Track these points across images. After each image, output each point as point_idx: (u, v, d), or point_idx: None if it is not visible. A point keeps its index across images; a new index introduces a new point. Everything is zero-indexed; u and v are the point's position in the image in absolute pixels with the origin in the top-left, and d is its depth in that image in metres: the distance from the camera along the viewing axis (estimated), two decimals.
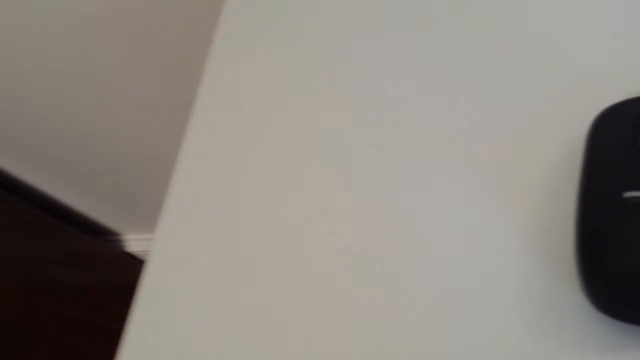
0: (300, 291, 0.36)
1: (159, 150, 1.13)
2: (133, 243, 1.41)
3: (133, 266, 1.29)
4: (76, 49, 0.96)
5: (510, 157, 0.36)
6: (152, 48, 0.94)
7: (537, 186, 0.35)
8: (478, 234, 0.35)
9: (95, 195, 1.28)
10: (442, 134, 0.39)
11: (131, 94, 1.03)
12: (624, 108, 0.33)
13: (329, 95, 0.42)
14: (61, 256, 1.16)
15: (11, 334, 0.98)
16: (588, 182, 0.32)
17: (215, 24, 0.48)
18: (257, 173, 0.40)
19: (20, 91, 1.05)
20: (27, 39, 0.95)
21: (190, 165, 0.42)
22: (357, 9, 0.45)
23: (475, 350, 0.32)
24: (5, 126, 1.12)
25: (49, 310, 1.06)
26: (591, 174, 0.32)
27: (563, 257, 0.32)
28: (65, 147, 1.16)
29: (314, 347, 0.34)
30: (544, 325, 0.31)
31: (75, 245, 1.21)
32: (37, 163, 1.21)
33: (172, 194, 0.41)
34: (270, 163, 0.40)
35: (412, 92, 0.40)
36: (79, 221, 1.35)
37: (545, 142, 0.36)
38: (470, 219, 0.35)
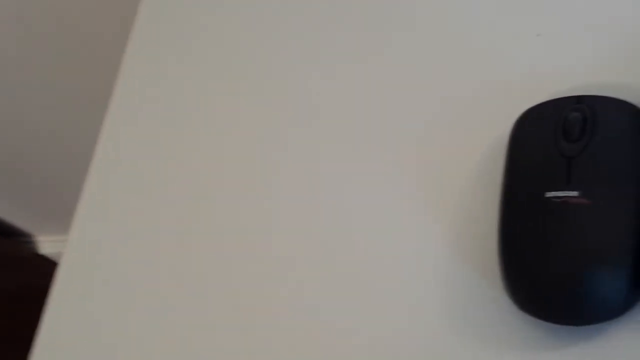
0: (218, 294, 0.35)
1: (73, 150, 1.10)
2: (46, 245, 1.37)
3: (46, 268, 1.25)
4: None
5: (434, 157, 0.36)
6: (67, 46, 0.92)
7: (461, 186, 0.35)
8: (402, 234, 0.35)
9: (7, 195, 1.24)
10: (366, 135, 0.38)
11: (43, 93, 1.00)
12: (545, 109, 0.34)
13: (247, 95, 0.41)
14: None
15: None
16: (510, 182, 0.32)
17: (131, 22, 0.47)
18: (174, 175, 0.40)
19: None
20: None
21: (105, 166, 0.41)
22: (276, 10, 0.44)
23: (399, 350, 0.32)
24: None
25: None
26: (513, 174, 0.32)
27: (487, 256, 0.32)
28: None
29: (226, 348, 0.34)
30: (468, 324, 0.31)
31: None
32: None
33: (86, 195, 0.40)
34: (186, 165, 0.40)
35: (336, 93, 0.40)
36: None
37: (469, 142, 0.36)
38: (394, 220, 0.35)
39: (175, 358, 0.34)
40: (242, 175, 0.39)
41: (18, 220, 1.33)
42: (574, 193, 0.30)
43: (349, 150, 0.38)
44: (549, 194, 0.30)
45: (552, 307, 0.30)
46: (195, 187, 0.39)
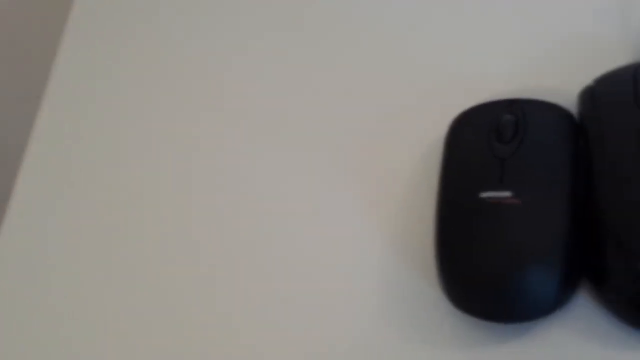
0: (146, 296, 0.35)
1: (4, 147, 1.07)
2: None
3: None
4: None
5: (372, 158, 0.37)
6: None
7: (399, 187, 0.35)
8: (340, 234, 0.35)
9: None
10: (302, 136, 0.38)
11: None
12: (479, 112, 0.34)
13: (182, 93, 0.41)
14: None
15: None
16: (446, 183, 0.33)
17: (65, 16, 0.46)
18: (105, 174, 0.39)
19: None
20: None
21: (37, 163, 0.40)
22: (213, 8, 0.44)
23: (336, 350, 0.32)
24: None
25: None
26: (449, 175, 0.33)
27: (423, 255, 0.33)
28: None
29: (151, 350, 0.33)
30: (404, 322, 0.32)
31: None
32: None
33: (18, 193, 0.39)
34: (119, 161, 0.39)
35: (273, 93, 0.40)
36: None
37: (406, 144, 0.36)
38: (332, 221, 0.35)
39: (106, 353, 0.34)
40: (175, 174, 0.38)
41: None
42: (507, 193, 0.30)
43: (286, 151, 0.38)
44: (483, 195, 0.31)
45: (485, 305, 0.30)
46: (127, 184, 0.38)
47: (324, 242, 0.35)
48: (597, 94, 0.33)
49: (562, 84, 0.35)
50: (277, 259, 0.35)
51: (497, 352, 0.30)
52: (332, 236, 0.35)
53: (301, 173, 0.37)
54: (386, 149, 0.37)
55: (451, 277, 0.31)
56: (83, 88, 0.42)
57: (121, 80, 0.42)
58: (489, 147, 0.32)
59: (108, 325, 0.35)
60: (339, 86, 0.40)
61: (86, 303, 0.35)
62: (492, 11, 0.40)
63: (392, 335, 0.32)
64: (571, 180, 0.31)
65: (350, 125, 0.38)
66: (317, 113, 0.39)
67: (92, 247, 0.37)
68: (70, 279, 0.36)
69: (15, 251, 0.37)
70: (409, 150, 0.36)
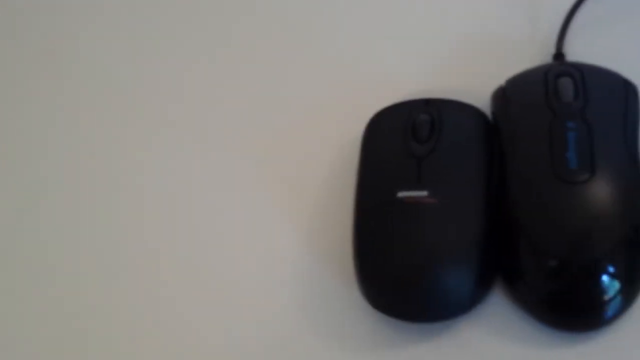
0: (65, 293, 0.34)
1: None
2: None
3: None
4: None
5: (290, 157, 0.36)
6: None
7: (316, 186, 0.35)
8: (255, 233, 0.34)
9: None
10: (219, 134, 0.38)
11: None
12: (395, 111, 0.34)
13: (91, 86, 0.40)
14: None
15: None
16: (363, 182, 0.32)
17: None
18: (9, 168, 0.38)
19: None
20: None
21: None
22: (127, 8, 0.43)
23: (252, 350, 0.31)
24: None
25: None
26: (366, 174, 0.33)
27: (341, 255, 0.32)
28: None
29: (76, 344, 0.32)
30: (322, 324, 0.31)
31: None
32: None
33: None
34: (24, 163, 0.38)
35: (190, 90, 0.40)
36: None
37: (324, 143, 0.36)
38: (248, 220, 0.35)
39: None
40: (88, 173, 0.37)
41: None
42: (423, 193, 0.30)
43: (201, 149, 0.37)
44: (400, 194, 0.31)
45: (401, 304, 0.30)
46: (32, 179, 0.38)
47: (239, 241, 0.34)
48: (509, 95, 0.34)
49: (476, 84, 0.36)
50: (191, 258, 0.34)
51: (413, 352, 0.30)
52: (247, 235, 0.34)
53: (218, 171, 0.36)
54: (303, 148, 0.37)
55: (368, 277, 0.31)
56: None
57: (19, 74, 0.41)
58: (406, 146, 0.32)
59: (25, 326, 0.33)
60: (255, 85, 0.39)
61: None
62: (408, 11, 0.41)
63: (308, 336, 0.31)
64: (486, 179, 0.31)
65: (267, 124, 0.38)
66: (233, 111, 0.38)
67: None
68: None
69: None
70: (325, 149, 0.36)
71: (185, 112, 0.39)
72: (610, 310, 0.29)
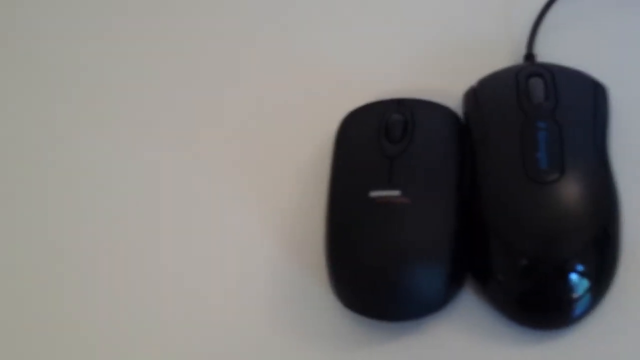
0: (31, 296, 0.33)
1: None
2: None
3: None
4: None
5: (263, 155, 0.36)
6: None
7: (289, 185, 0.35)
8: (230, 231, 0.34)
9: None
10: (191, 132, 0.38)
11: None
12: (368, 111, 0.35)
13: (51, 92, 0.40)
14: None
15: None
16: (336, 181, 0.32)
17: None
18: None
19: None
20: None
21: None
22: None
23: (223, 349, 0.31)
24: None
25: None
26: (339, 173, 0.33)
27: (313, 255, 0.32)
28: None
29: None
30: (294, 323, 0.31)
31: None
32: None
33: None
34: None
35: (159, 86, 0.39)
36: None
37: (297, 142, 0.36)
38: (222, 217, 0.35)
39: None
40: (58, 178, 0.37)
41: None
42: (396, 192, 0.30)
43: (173, 149, 0.37)
44: (373, 193, 0.31)
45: (373, 304, 0.30)
46: None
47: (211, 241, 0.34)
48: (480, 95, 0.34)
49: (448, 85, 0.36)
50: (161, 259, 0.34)
51: (385, 351, 0.30)
52: (220, 236, 0.34)
53: (190, 171, 0.36)
54: (275, 148, 0.36)
55: (341, 277, 0.31)
56: None
57: None
58: (378, 146, 0.32)
59: None
60: (228, 84, 0.39)
61: None
62: (380, 11, 0.41)
63: (279, 335, 0.31)
64: (457, 179, 0.32)
65: (239, 124, 0.38)
66: (206, 111, 0.38)
67: None
68: None
69: None
70: (298, 149, 0.36)
71: (156, 113, 0.38)
72: (579, 309, 0.29)
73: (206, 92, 0.39)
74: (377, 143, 0.32)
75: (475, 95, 0.34)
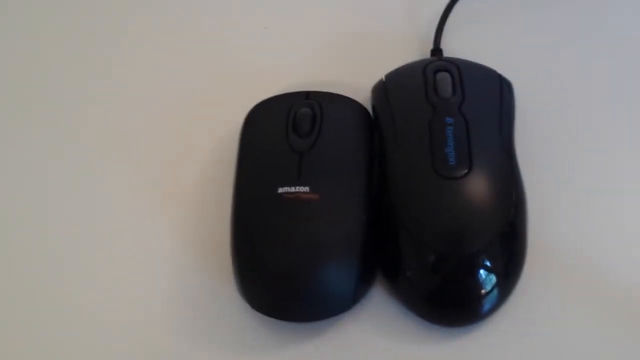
0: None
1: None
2: None
3: None
4: None
5: (166, 151, 0.35)
6: None
7: (193, 182, 0.34)
8: (131, 229, 0.33)
9: None
10: (92, 128, 0.36)
11: None
12: (275, 103, 0.34)
13: None
14: None
15: None
16: (242, 177, 0.31)
17: None
18: None
19: None
20: None
21: None
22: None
23: (128, 353, 0.30)
24: None
25: None
26: (246, 169, 0.32)
27: (220, 255, 0.31)
28: None
29: None
30: (200, 327, 0.30)
31: None
32: None
33: None
34: None
35: (61, 86, 0.38)
36: None
37: (201, 137, 0.35)
38: (123, 216, 0.33)
39: None
40: None
41: None
42: (305, 188, 0.30)
43: (74, 147, 0.36)
44: (280, 190, 0.30)
45: (281, 305, 0.29)
46: None
47: (112, 238, 0.33)
48: (389, 89, 0.34)
49: (356, 78, 0.36)
50: (60, 257, 0.32)
51: (295, 352, 0.30)
52: (121, 233, 0.33)
53: (91, 167, 0.35)
54: (180, 141, 0.35)
55: (247, 277, 0.30)
56: None
57: None
58: (287, 140, 0.31)
59: None
60: (131, 75, 0.38)
61: None
62: (290, 4, 0.40)
63: (183, 338, 0.30)
64: (367, 175, 0.31)
65: (142, 117, 0.36)
66: (109, 104, 0.37)
67: None
68: None
69: None
70: (203, 144, 0.35)
71: (55, 108, 0.37)
72: (487, 304, 0.29)
73: (107, 88, 0.37)
74: (285, 137, 0.31)
75: (384, 89, 0.34)
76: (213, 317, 0.30)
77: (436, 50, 0.36)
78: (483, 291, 0.29)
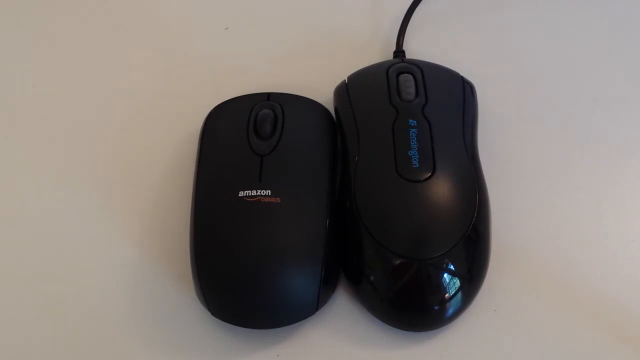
0: None
1: None
2: None
3: None
4: None
5: (125, 152, 0.34)
6: None
7: (151, 184, 0.33)
8: (89, 234, 0.32)
9: None
10: (52, 129, 0.35)
11: None
12: (235, 105, 0.33)
13: None
14: None
15: None
16: (202, 181, 0.31)
17: None
18: None
19: None
20: None
21: None
22: None
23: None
24: None
25: None
26: (206, 172, 0.31)
27: (180, 260, 0.30)
28: None
29: None
30: (159, 335, 0.29)
31: None
32: None
33: None
34: None
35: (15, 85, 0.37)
36: None
37: (160, 139, 0.34)
38: (80, 219, 0.32)
39: None
40: None
41: None
42: (266, 192, 0.29)
43: (31, 150, 0.35)
44: (242, 193, 0.29)
45: (243, 311, 0.29)
46: None
47: (69, 242, 0.32)
48: (351, 91, 0.33)
49: (318, 80, 0.35)
50: (17, 260, 0.31)
51: (258, 359, 0.29)
52: (78, 237, 0.32)
53: (50, 168, 0.34)
54: (138, 143, 0.35)
55: (208, 283, 0.29)
56: None
57: None
58: (247, 142, 0.31)
59: None
60: (90, 76, 0.37)
61: None
62: (251, 4, 0.39)
63: (141, 347, 0.29)
64: (329, 178, 0.31)
65: (101, 119, 0.35)
66: (67, 106, 0.36)
67: None
68: None
69: None
70: (162, 145, 0.34)
71: (15, 108, 0.36)
72: (450, 309, 0.29)
73: (70, 87, 0.37)
74: (246, 139, 0.31)
75: (346, 91, 0.33)
76: (174, 324, 0.30)
77: (399, 52, 0.36)
78: (446, 295, 0.29)
